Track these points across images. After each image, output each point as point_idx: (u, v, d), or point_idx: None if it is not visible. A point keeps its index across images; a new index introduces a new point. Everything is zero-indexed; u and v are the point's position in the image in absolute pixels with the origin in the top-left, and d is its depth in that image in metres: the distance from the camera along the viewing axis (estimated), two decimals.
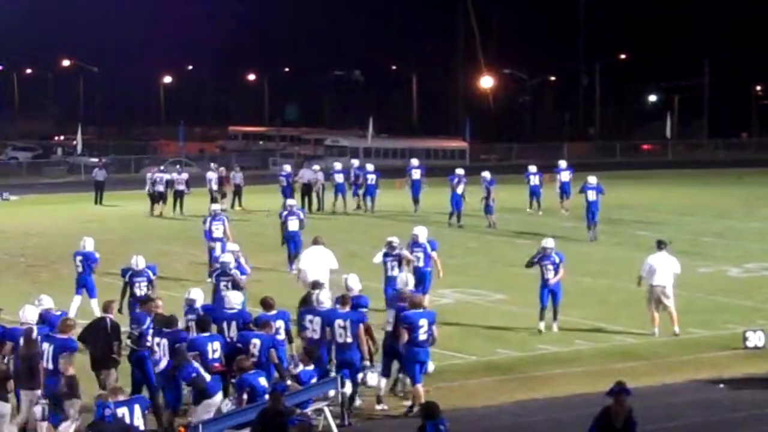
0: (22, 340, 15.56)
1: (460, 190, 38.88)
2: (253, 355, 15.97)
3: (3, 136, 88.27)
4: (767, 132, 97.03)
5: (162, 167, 48.28)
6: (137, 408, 13.56)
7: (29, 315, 16.22)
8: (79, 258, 23.65)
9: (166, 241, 36.10)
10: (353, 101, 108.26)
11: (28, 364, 15.34)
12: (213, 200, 42.74)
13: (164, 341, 16.02)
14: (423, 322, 16.64)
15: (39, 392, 15.05)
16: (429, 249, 23.31)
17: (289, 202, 31.51)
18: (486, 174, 39.28)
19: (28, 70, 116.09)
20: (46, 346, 15.43)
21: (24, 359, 15.41)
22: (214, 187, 44.34)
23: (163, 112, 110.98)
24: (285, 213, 29.87)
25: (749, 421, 16.42)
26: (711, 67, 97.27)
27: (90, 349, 16.68)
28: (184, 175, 44.48)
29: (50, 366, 15.29)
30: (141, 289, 20.68)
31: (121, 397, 13.59)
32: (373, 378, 16.86)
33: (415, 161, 45.71)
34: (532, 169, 42.98)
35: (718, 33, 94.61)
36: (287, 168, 45.57)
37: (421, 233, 23.51)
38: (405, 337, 16.53)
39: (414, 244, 23.32)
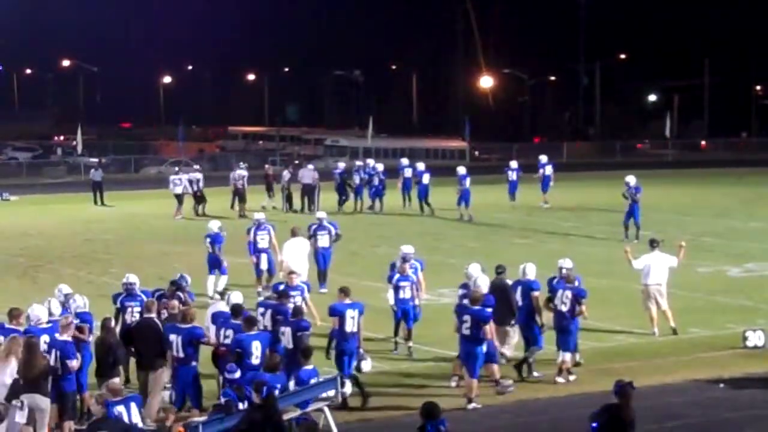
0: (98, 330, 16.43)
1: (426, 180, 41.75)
2: (257, 356, 16.08)
3: (3, 136, 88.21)
4: (767, 132, 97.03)
5: (196, 166, 47.55)
6: (133, 406, 13.56)
7: (41, 314, 16.33)
8: (208, 240, 25.71)
9: (166, 241, 36.11)
10: (353, 101, 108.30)
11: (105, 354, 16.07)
12: (240, 200, 42.63)
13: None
14: (466, 317, 17.22)
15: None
16: (419, 268, 21.27)
17: (319, 215, 27.53)
18: (461, 169, 41.14)
19: (28, 70, 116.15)
20: (173, 336, 16.12)
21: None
22: (245, 185, 43.25)
23: (162, 112, 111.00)
24: (314, 226, 26.48)
25: (749, 421, 16.42)
26: (711, 66, 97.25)
27: (138, 350, 16.69)
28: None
29: (180, 354, 16.00)
30: (133, 315, 18.24)
31: (118, 396, 13.60)
32: (367, 365, 17.62)
33: (405, 160, 45.77)
34: (513, 164, 44.57)
35: (718, 33, 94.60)
36: (341, 165, 45.18)
37: (410, 252, 21.37)
38: (455, 327, 17.42)
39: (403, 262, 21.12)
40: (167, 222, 41.50)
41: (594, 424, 12.36)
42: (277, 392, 14.73)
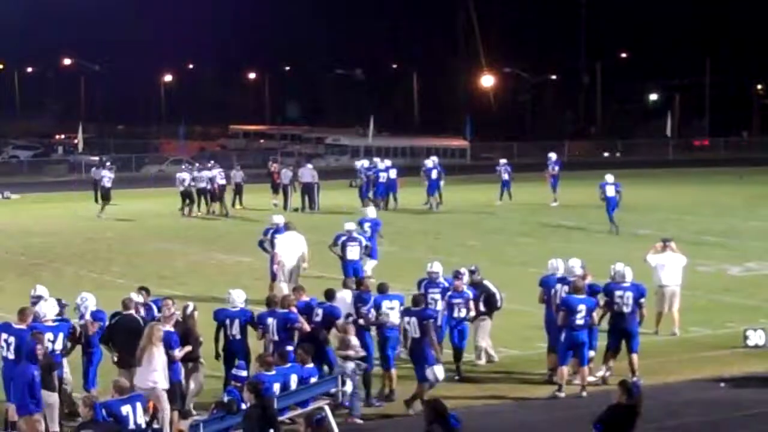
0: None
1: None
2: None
3: (4, 135, 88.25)
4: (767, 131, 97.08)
5: (210, 163, 47.13)
6: (139, 405, 13.52)
7: (48, 311, 16.39)
8: (367, 224, 26.69)
9: (167, 239, 36.13)
10: (354, 100, 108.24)
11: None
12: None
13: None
14: (581, 307, 17.60)
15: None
16: (470, 295, 19.03)
17: (349, 225, 25.22)
18: (434, 158, 45.37)
19: (30, 69, 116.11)
20: (270, 320, 17.00)
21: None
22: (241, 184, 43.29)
23: (164, 110, 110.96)
24: (344, 237, 24.65)
25: (750, 420, 16.41)
26: (712, 65, 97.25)
27: (118, 347, 16.53)
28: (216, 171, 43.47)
29: (275, 338, 16.87)
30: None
31: (124, 395, 13.58)
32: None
33: (435, 159, 46.43)
34: (503, 161, 45.98)
35: (719, 32, 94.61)
36: (364, 163, 44.77)
37: (464, 271, 19.45)
38: (562, 320, 17.60)
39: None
40: (168, 220, 41.49)
41: (598, 425, 12.28)
42: (277, 390, 14.76)
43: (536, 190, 44.99)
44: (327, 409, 15.59)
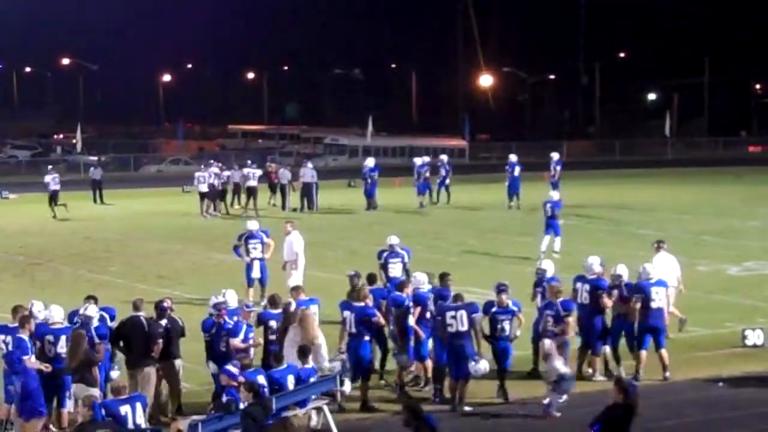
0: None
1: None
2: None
3: (2, 135, 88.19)
4: (767, 131, 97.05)
5: (223, 165, 46.80)
6: (138, 406, 13.50)
7: (56, 315, 16.36)
8: (549, 205, 30.59)
9: (165, 240, 36.09)
10: (353, 100, 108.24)
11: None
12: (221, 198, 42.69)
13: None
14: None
15: None
16: (517, 310, 18.18)
17: (391, 240, 22.69)
18: (441, 157, 46.50)
19: (28, 69, 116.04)
20: (347, 313, 17.57)
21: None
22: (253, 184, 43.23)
23: (162, 110, 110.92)
24: (386, 253, 22.39)
25: (748, 420, 16.42)
26: (711, 65, 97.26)
27: (128, 348, 16.53)
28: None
29: (353, 330, 17.46)
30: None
31: (121, 395, 13.56)
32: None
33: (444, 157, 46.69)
34: (513, 158, 44.87)
35: (718, 32, 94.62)
36: (418, 161, 44.92)
37: (506, 284, 18.64)
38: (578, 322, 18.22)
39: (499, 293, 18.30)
40: (167, 220, 41.45)
41: (596, 426, 12.24)
42: (266, 389, 14.78)
43: (536, 190, 44.79)
44: (326, 409, 15.58)
